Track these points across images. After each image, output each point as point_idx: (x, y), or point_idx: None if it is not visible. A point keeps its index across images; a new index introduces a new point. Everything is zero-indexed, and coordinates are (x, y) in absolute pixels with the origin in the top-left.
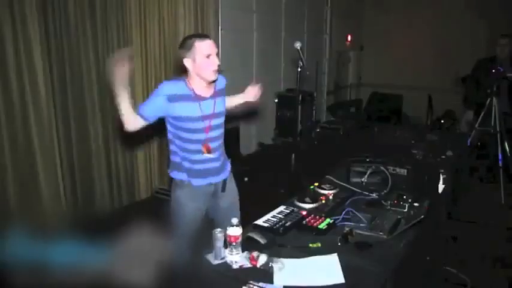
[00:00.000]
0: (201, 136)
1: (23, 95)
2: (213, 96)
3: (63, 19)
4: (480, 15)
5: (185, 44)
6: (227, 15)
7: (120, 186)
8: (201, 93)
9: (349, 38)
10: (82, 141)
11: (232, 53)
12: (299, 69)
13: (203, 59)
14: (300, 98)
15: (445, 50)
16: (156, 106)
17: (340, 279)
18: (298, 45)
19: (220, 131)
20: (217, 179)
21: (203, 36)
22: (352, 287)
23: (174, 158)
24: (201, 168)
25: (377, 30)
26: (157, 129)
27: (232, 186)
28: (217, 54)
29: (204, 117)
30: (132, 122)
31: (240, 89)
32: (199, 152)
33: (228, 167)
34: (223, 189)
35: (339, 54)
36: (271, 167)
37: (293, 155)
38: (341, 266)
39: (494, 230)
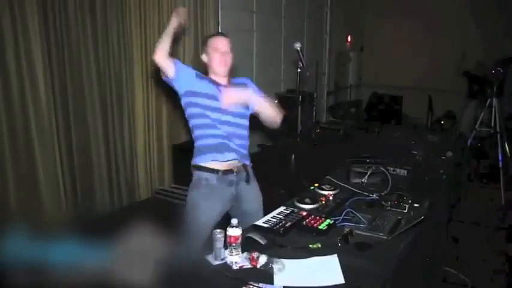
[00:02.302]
0: (218, 114)
1: (23, 95)
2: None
3: (63, 19)
4: (480, 16)
5: (203, 42)
6: (227, 15)
7: (120, 187)
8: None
9: (349, 38)
10: (82, 141)
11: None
12: (299, 70)
13: (213, 52)
14: (300, 98)
15: (445, 51)
16: (187, 71)
17: (340, 279)
18: (298, 45)
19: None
20: (238, 164)
21: (218, 33)
22: None
23: (198, 142)
24: (221, 142)
25: (377, 30)
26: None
27: (256, 190)
28: (230, 52)
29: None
30: (164, 55)
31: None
32: (218, 120)
33: (248, 162)
34: (247, 180)
35: (339, 54)
36: (271, 167)
37: (293, 156)
38: (341, 266)
39: (494, 231)
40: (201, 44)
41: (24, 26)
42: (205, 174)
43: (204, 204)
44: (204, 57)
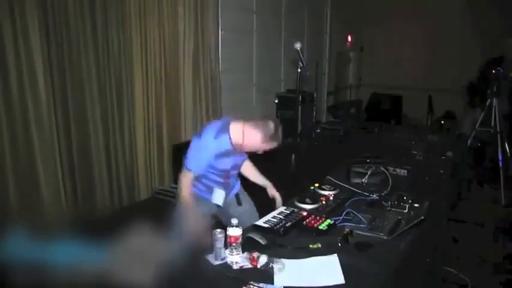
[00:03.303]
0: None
1: (23, 95)
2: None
3: (63, 19)
4: (480, 16)
5: (268, 125)
6: (227, 15)
7: (120, 187)
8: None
9: (349, 38)
10: (82, 141)
11: (232, 53)
12: (299, 70)
13: (258, 147)
14: (300, 98)
15: (445, 51)
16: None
17: (340, 279)
18: (298, 45)
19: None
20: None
21: (278, 139)
22: None
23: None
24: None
25: (377, 30)
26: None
27: (245, 197)
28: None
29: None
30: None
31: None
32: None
33: (238, 185)
34: (239, 203)
35: (339, 54)
36: (271, 167)
37: (293, 156)
38: (341, 266)
39: (495, 231)
40: (263, 126)
41: (24, 26)
42: None
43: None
44: (251, 131)
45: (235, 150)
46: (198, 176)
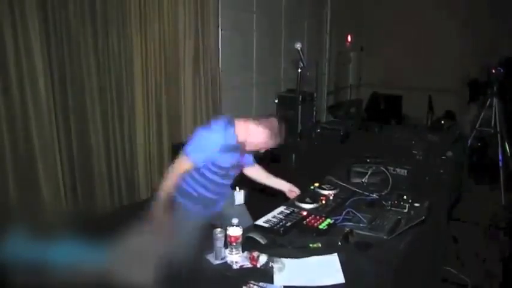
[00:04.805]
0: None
1: (23, 95)
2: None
3: (63, 19)
4: (480, 16)
5: (272, 123)
6: (227, 15)
7: (120, 186)
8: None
9: (349, 38)
10: (82, 140)
11: (232, 53)
12: (299, 70)
13: (262, 145)
14: (300, 98)
15: (445, 51)
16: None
17: (341, 279)
18: (298, 45)
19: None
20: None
21: (282, 137)
22: (352, 287)
23: (187, 187)
24: (209, 200)
25: (377, 30)
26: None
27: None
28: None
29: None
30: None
31: (239, 89)
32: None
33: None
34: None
35: (339, 54)
36: (271, 167)
37: (293, 156)
38: (341, 266)
39: (494, 231)
40: (269, 125)
41: (24, 26)
42: None
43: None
44: (257, 129)
45: (239, 147)
46: (192, 171)
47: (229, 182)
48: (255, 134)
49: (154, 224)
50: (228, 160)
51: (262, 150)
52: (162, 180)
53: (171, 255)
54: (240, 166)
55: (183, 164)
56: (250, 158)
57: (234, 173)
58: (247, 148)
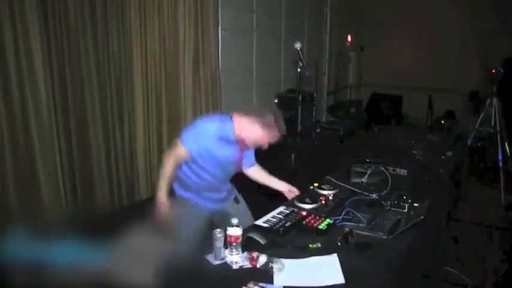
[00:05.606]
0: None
1: (23, 94)
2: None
3: (63, 19)
4: (481, 16)
5: (265, 116)
6: (227, 15)
7: (120, 186)
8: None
9: (349, 38)
10: (82, 141)
11: (232, 53)
12: (299, 70)
13: (259, 139)
14: (300, 98)
15: (446, 50)
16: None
17: (340, 279)
18: (298, 45)
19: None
20: (226, 203)
21: (281, 130)
22: (352, 287)
23: (184, 176)
24: (210, 196)
25: (377, 30)
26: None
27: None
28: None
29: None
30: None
31: (239, 89)
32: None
33: (233, 194)
34: (237, 202)
35: (339, 54)
36: (271, 167)
37: (293, 155)
38: (341, 266)
39: (494, 231)
40: (259, 113)
41: (24, 26)
42: None
43: (192, 226)
44: (249, 124)
45: (237, 141)
46: (189, 161)
47: (227, 176)
48: (249, 128)
49: (156, 223)
50: (225, 153)
51: (265, 147)
52: (161, 168)
53: (171, 255)
54: (239, 162)
55: (178, 150)
56: (251, 156)
57: (232, 167)
58: (247, 143)
